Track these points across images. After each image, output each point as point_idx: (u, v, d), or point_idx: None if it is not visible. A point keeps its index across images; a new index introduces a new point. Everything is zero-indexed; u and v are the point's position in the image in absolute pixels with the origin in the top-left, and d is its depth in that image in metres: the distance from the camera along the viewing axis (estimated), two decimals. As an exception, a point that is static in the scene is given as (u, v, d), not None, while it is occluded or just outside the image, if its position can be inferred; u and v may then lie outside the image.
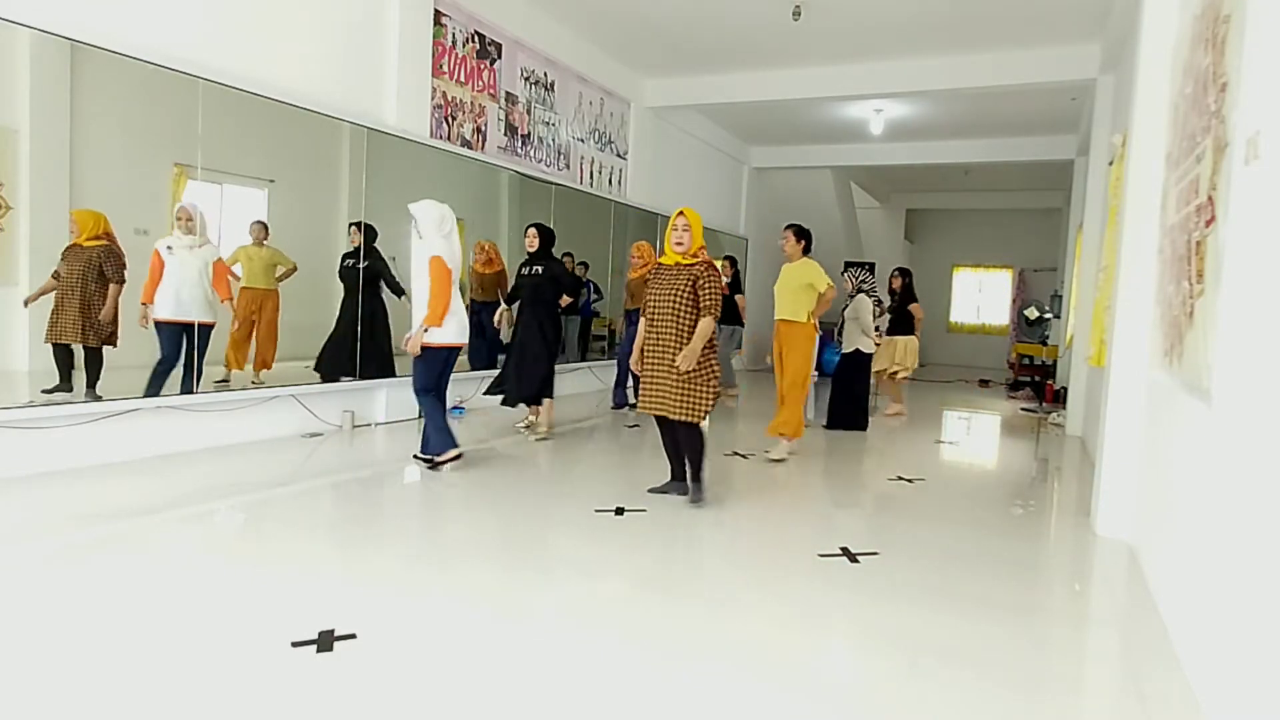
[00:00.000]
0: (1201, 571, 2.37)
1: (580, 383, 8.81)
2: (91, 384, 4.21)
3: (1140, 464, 3.80)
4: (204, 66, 4.63)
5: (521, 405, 5.92)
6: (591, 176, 9.01)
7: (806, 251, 5.42)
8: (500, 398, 5.89)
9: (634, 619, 2.66)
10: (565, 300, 5.92)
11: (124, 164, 4.56)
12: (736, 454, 5.54)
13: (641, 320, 4.09)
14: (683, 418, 3.89)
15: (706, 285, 3.89)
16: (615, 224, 9.32)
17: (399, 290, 5.85)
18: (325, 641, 2.30)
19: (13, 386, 4.07)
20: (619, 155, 9.49)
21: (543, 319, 5.72)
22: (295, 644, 2.28)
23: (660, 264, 4.07)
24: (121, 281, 4.24)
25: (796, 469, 5.17)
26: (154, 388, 4.55)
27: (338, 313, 5.75)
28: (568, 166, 8.55)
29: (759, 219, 13.52)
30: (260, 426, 5.22)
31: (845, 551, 3.46)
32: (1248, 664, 1.85)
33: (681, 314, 3.89)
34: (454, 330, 4.49)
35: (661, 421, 4.07)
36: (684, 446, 4.06)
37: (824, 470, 5.30)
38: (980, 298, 17.32)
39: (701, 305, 3.89)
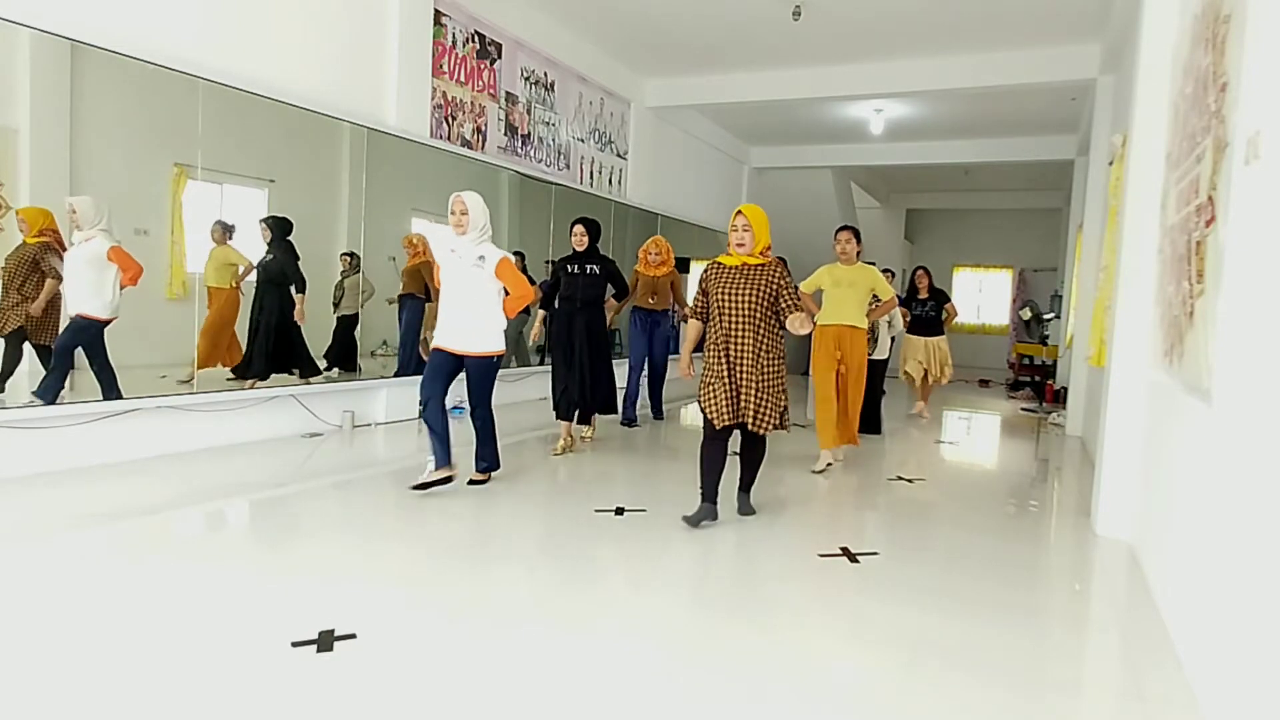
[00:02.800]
0: (1202, 571, 2.37)
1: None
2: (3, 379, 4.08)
3: (1140, 464, 3.80)
4: (204, 66, 4.63)
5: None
6: (591, 176, 9.01)
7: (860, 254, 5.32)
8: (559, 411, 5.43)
9: (634, 620, 2.66)
10: (613, 305, 5.59)
11: (124, 164, 4.56)
12: (733, 452, 5.53)
13: (693, 324, 3.91)
14: (771, 429, 3.73)
15: (787, 288, 3.73)
16: (615, 224, 9.31)
17: (302, 286, 5.37)
18: (325, 641, 2.30)
19: (13, 387, 4.08)
20: (619, 155, 9.49)
21: (601, 325, 5.47)
22: (295, 644, 2.28)
23: (720, 264, 3.81)
24: (58, 278, 4.13)
25: (796, 469, 5.17)
26: (48, 392, 4.12)
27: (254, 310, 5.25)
28: (568, 166, 8.54)
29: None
30: (260, 426, 5.22)
31: (845, 551, 3.46)
32: (1248, 664, 1.85)
33: (762, 318, 3.69)
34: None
35: (721, 435, 3.78)
36: (754, 459, 3.96)
37: (824, 470, 5.29)
38: (980, 298, 17.32)
39: (784, 307, 3.70)
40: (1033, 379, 10.70)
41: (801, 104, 9.54)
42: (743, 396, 3.69)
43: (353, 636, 2.34)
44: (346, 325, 5.99)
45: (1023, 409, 9.40)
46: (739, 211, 3.76)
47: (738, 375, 3.70)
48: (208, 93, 4.66)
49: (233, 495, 4.05)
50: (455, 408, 6.72)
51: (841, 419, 5.28)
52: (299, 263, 5.35)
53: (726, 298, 3.72)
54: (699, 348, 3.95)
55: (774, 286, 3.71)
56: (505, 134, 7.52)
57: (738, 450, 3.98)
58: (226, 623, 2.42)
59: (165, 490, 4.04)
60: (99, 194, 4.27)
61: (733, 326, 3.71)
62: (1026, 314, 11.08)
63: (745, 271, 3.74)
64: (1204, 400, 2.43)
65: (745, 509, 3.98)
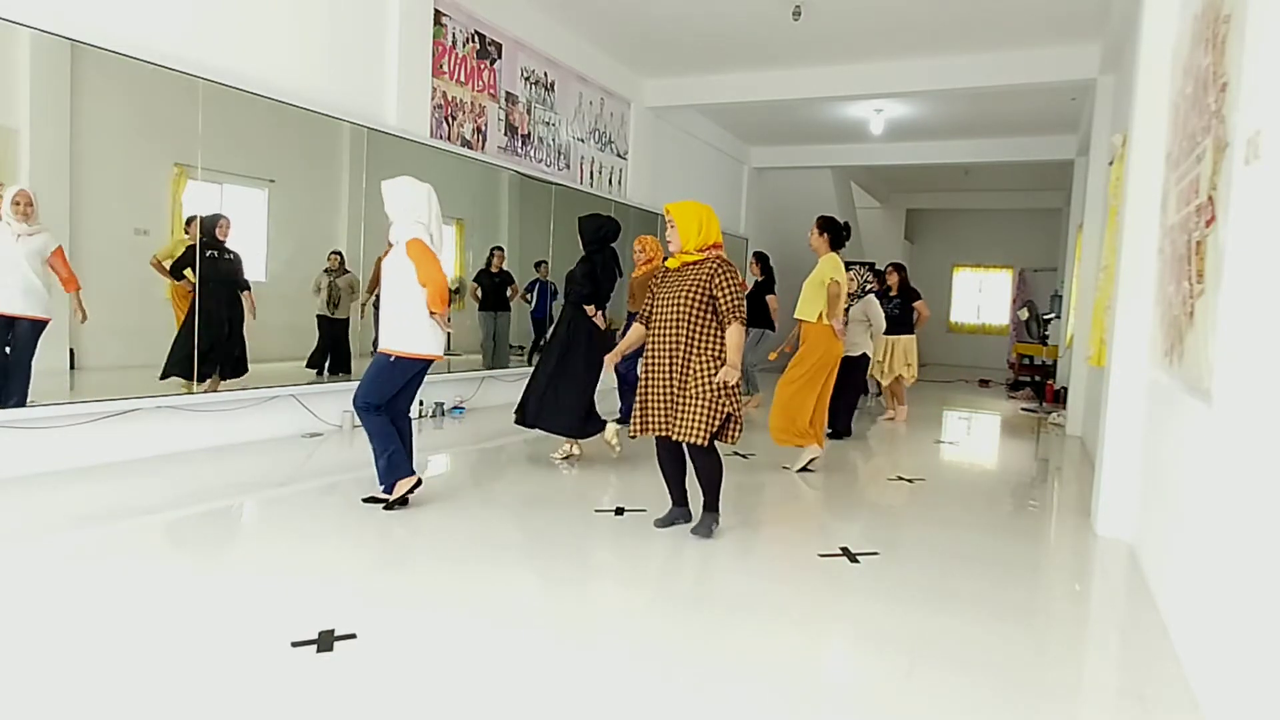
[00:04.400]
0: (1202, 571, 2.37)
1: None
2: None
3: (1140, 464, 3.79)
4: (204, 66, 4.64)
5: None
6: (591, 176, 9.01)
7: (834, 246, 5.10)
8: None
9: (633, 621, 2.66)
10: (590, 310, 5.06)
11: (124, 164, 4.56)
12: (736, 454, 5.54)
13: (635, 327, 3.68)
14: (690, 439, 3.39)
15: (725, 286, 3.39)
16: (615, 224, 9.32)
17: (245, 284, 5.13)
18: (325, 641, 2.30)
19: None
20: (619, 155, 9.49)
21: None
22: (295, 644, 2.28)
23: (666, 269, 3.62)
24: None
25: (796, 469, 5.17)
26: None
27: (207, 309, 4.85)
28: (568, 166, 8.55)
29: (759, 219, 13.53)
30: (260, 426, 5.22)
31: (845, 551, 3.46)
32: (1248, 664, 1.85)
33: (688, 318, 3.40)
34: (432, 338, 3.72)
35: (662, 442, 3.60)
36: (699, 473, 3.55)
37: (823, 470, 5.29)
38: (980, 298, 17.32)
39: (722, 311, 3.40)
40: (1033, 379, 10.70)
41: (801, 104, 9.54)
42: (654, 404, 3.46)
43: (353, 636, 2.34)
44: (342, 328, 5.84)
45: (1023, 409, 9.40)
46: (665, 210, 3.55)
47: (651, 381, 3.47)
48: (207, 93, 4.66)
49: (233, 495, 4.05)
50: (456, 408, 6.75)
51: (782, 415, 5.07)
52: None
53: (654, 299, 3.55)
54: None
55: (705, 284, 3.42)
56: (505, 134, 7.52)
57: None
58: (227, 623, 2.42)
59: (165, 490, 4.04)
60: (99, 194, 4.26)
61: (654, 329, 3.51)
62: (1024, 314, 11.09)
63: (681, 271, 3.52)
64: (1204, 400, 2.43)
65: (698, 529, 3.58)
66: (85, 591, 2.64)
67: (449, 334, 3.88)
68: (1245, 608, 1.91)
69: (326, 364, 5.85)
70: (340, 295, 5.84)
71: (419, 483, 3.79)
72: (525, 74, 7.74)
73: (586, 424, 4.89)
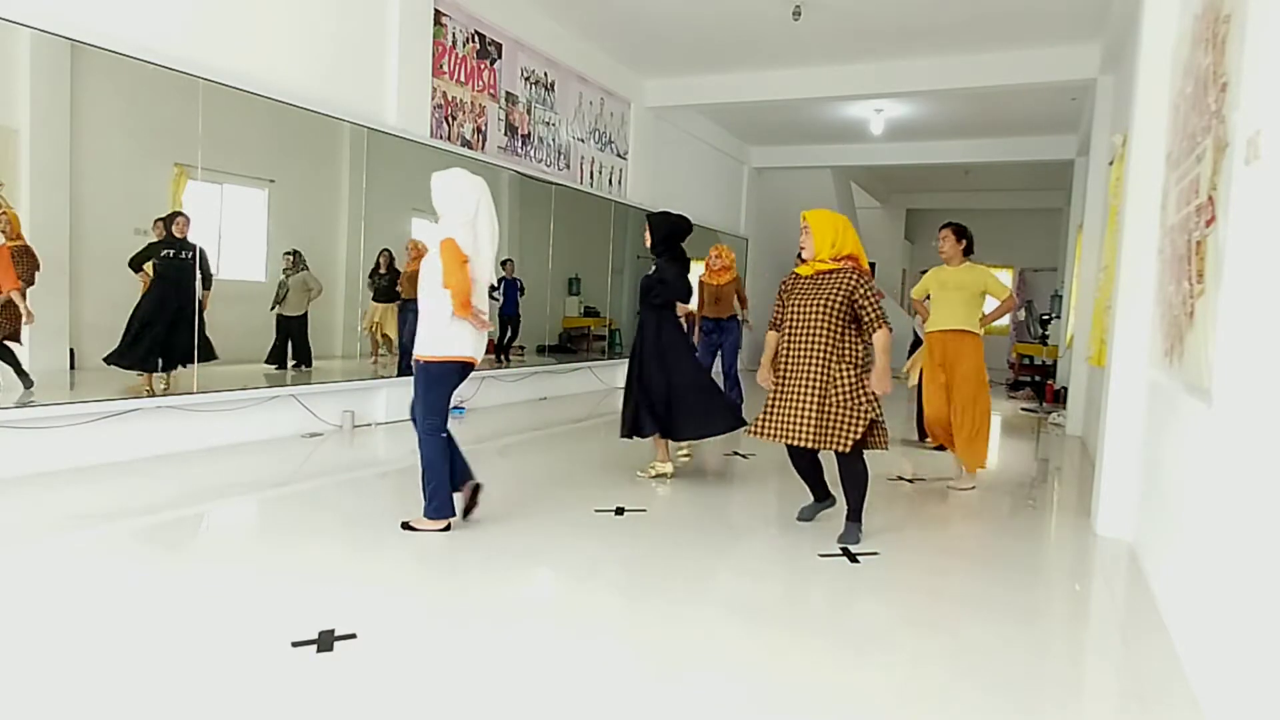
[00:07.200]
0: (1202, 571, 2.37)
1: (581, 382, 8.81)
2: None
3: (1140, 464, 3.79)
4: (204, 66, 4.63)
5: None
6: (591, 176, 9.01)
7: (968, 253, 4.87)
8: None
9: (633, 621, 2.66)
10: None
11: (124, 164, 4.56)
12: (737, 454, 5.54)
13: (771, 335, 3.71)
14: (839, 447, 3.41)
15: (867, 296, 3.46)
16: (615, 224, 9.32)
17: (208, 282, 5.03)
18: (325, 641, 2.30)
19: (15, 387, 4.08)
20: (619, 155, 9.50)
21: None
22: (295, 644, 2.28)
23: (796, 274, 3.66)
24: None
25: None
26: None
27: (151, 304, 4.73)
28: (568, 166, 8.55)
29: (759, 219, 13.53)
30: (260, 426, 5.22)
31: (845, 552, 3.46)
32: (1248, 664, 1.85)
33: (829, 328, 3.45)
34: (464, 340, 3.43)
35: (794, 449, 3.63)
36: (844, 480, 3.57)
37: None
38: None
39: (869, 320, 3.45)
40: (1033, 379, 10.70)
41: (801, 104, 9.55)
42: (789, 411, 3.48)
43: (353, 636, 2.34)
44: (298, 325, 5.71)
45: (1023, 409, 9.40)
46: (802, 216, 3.61)
47: (788, 387, 3.51)
48: (208, 93, 4.66)
49: (232, 495, 4.05)
50: (456, 408, 6.75)
51: (957, 436, 4.76)
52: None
53: (788, 307, 3.60)
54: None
55: (843, 294, 3.47)
56: (505, 134, 7.52)
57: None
58: (226, 622, 2.42)
59: (165, 490, 4.04)
60: (99, 194, 4.26)
61: (791, 336, 3.55)
62: (1022, 314, 11.09)
63: (816, 279, 3.57)
64: (1204, 400, 2.43)
65: (845, 536, 3.57)
66: (85, 591, 2.63)
67: (487, 335, 3.59)
68: (1245, 607, 1.91)
69: (288, 359, 5.75)
70: (287, 292, 5.68)
71: (448, 526, 3.51)
72: (525, 74, 7.74)
73: (736, 415, 4.62)
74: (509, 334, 8.01)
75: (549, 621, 2.60)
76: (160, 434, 4.62)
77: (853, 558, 3.38)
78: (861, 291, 3.48)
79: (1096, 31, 7.00)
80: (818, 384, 3.45)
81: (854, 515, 3.62)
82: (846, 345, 3.49)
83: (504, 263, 7.98)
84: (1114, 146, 5.46)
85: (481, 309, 3.46)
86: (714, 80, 9.16)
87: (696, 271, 6.12)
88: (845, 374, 3.46)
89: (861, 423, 3.41)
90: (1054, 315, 11.18)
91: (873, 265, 12.90)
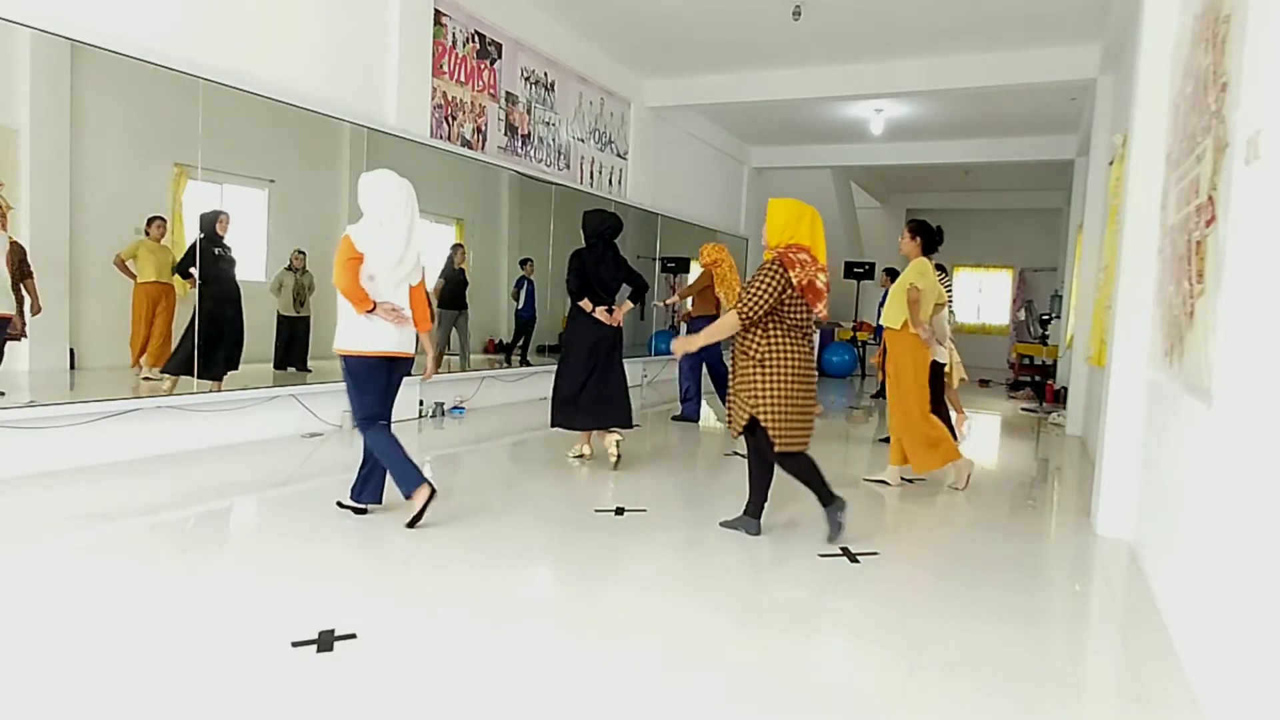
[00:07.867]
0: (1202, 571, 2.37)
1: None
2: None
3: (1140, 464, 3.79)
4: (204, 66, 4.63)
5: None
6: (591, 176, 9.01)
7: (929, 250, 4.76)
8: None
9: (632, 621, 2.66)
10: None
11: (124, 164, 4.56)
12: (737, 454, 5.54)
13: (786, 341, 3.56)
14: (733, 434, 3.62)
15: (748, 281, 3.48)
16: (615, 224, 9.31)
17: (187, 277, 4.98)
18: (325, 641, 2.30)
19: (15, 387, 4.08)
20: (619, 155, 9.50)
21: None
22: (295, 644, 2.28)
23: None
24: None
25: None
26: None
27: (210, 307, 4.84)
28: (568, 166, 8.55)
29: (759, 219, 13.48)
30: (260, 426, 5.22)
31: (845, 551, 3.46)
32: (1248, 664, 1.85)
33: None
34: (375, 335, 3.41)
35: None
36: (756, 472, 3.71)
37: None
38: (980, 298, 17.32)
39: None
40: (1033, 379, 10.70)
41: (801, 104, 9.55)
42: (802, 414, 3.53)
43: (353, 636, 2.34)
44: (303, 326, 5.72)
45: (1023, 409, 9.40)
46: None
47: (800, 390, 3.52)
48: (208, 93, 4.66)
49: (232, 495, 4.05)
50: (456, 408, 6.75)
51: (914, 442, 4.67)
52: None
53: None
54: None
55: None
56: (505, 134, 7.52)
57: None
58: (227, 622, 2.42)
59: (165, 490, 4.04)
60: (99, 194, 4.26)
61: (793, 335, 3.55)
62: (1021, 315, 11.10)
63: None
64: (1204, 400, 2.43)
65: (732, 523, 3.72)
66: (85, 591, 2.63)
67: (412, 328, 3.56)
68: (1245, 607, 1.91)
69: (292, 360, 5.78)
70: (304, 293, 5.73)
71: (433, 493, 3.47)
72: (525, 74, 7.74)
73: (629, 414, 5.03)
74: (522, 338, 8.04)
75: (549, 621, 2.60)
76: (160, 434, 4.62)
77: (852, 557, 3.38)
78: (753, 275, 3.46)
79: (1096, 32, 7.00)
80: (734, 373, 3.56)
81: (753, 510, 3.66)
82: (749, 338, 3.46)
83: (523, 262, 8.05)
84: (1114, 146, 5.46)
85: (394, 304, 3.45)
86: (714, 80, 9.17)
87: (695, 272, 6.10)
88: (740, 365, 3.50)
89: (741, 415, 3.46)
90: (1054, 315, 11.18)
91: (872, 265, 12.89)
